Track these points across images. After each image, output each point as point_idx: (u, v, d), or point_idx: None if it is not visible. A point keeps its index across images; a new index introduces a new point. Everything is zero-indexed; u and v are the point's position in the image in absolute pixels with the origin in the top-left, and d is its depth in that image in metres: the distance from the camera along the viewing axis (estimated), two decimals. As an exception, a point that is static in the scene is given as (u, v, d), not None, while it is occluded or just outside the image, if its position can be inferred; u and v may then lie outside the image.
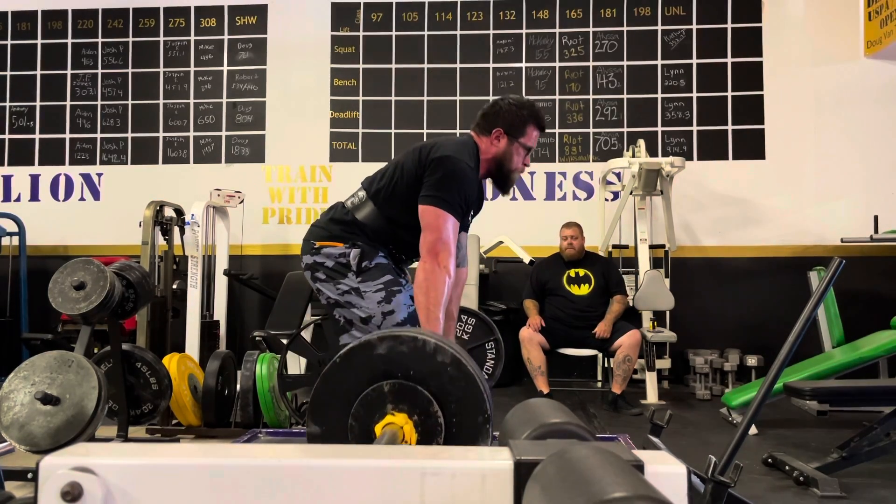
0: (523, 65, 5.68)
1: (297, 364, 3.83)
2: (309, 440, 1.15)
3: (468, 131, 2.43)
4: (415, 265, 2.33)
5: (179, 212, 4.89)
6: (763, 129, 5.45)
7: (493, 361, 2.77)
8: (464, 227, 2.38)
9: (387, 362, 1.12)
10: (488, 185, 2.50)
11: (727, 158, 5.47)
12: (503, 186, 2.43)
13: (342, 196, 2.50)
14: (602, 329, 4.28)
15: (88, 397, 2.38)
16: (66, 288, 2.66)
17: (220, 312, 5.11)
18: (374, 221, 2.33)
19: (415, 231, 2.23)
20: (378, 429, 1.08)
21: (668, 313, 4.96)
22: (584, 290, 4.48)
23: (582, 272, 4.52)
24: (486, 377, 2.75)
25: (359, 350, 1.15)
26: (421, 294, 2.13)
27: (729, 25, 5.54)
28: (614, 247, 5.24)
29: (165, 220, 4.78)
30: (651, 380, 4.45)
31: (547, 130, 5.60)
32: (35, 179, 5.92)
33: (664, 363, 4.93)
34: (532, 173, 5.59)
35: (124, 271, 2.88)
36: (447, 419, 1.10)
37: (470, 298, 4.70)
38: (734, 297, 5.34)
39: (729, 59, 5.52)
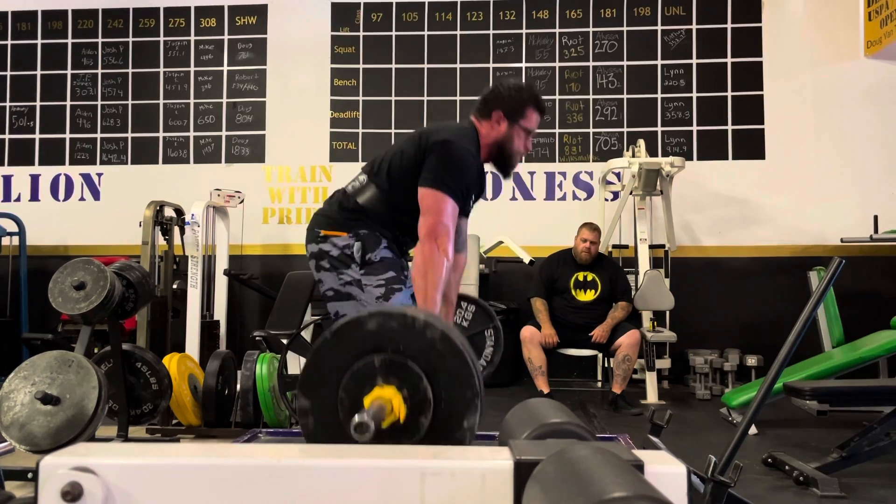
0: (523, 65, 5.68)
1: (297, 364, 3.82)
2: (299, 415, 1.16)
3: (469, 118, 2.42)
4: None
5: (179, 212, 4.89)
6: (763, 129, 5.45)
7: (492, 349, 2.76)
8: (465, 212, 2.37)
9: (377, 338, 1.13)
10: (489, 178, 2.48)
11: (727, 158, 5.47)
12: (504, 169, 2.42)
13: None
14: (598, 334, 4.28)
15: (88, 397, 2.38)
16: (66, 288, 2.66)
17: (220, 312, 5.11)
18: (375, 205, 2.30)
19: (416, 215, 2.21)
20: (367, 401, 1.09)
21: (668, 313, 4.96)
22: (589, 296, 4.46)
23: (590, 276, 4.48)
24: (486, 364, 2.73)
25: (349, 326, 1.16)
26: (419, 277, 2.12)
27: (729, 25, 5.54)
28: (614, 247, 5.24)
29: (165, 220, 4.78)
30: (651, 380, 4.45)
31: (547, 130, 5.63)
32: (35, 179, 5.92)
33: (664, 363, 4.93)
34: (532, 173, 5.59)
35: (124, 271, 2.88)
36: (436, 394, 1.11)
37: (470, 298, 4.70)
38: (734, 297, 5.34)
39: (729, 59, 5.52)
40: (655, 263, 4.93)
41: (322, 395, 1.14)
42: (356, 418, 1.01)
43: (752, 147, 5.45)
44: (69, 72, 5.95)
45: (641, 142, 4.98)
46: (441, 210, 2.15)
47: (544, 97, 6.11)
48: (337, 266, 2.30)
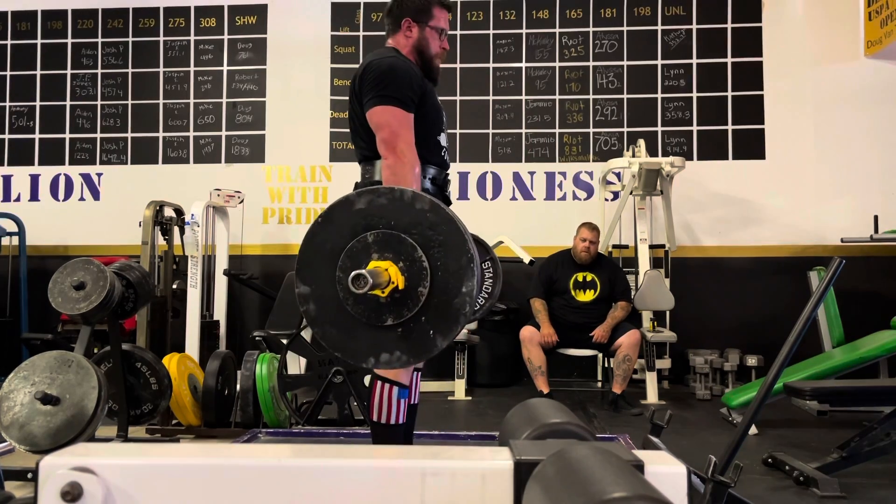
0: (523, 65, 5.68)
1: (297, 364, 3.83)
2: (299, 302, 1.17)
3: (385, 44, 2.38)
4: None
5: (179, 212, 4.89)
6: (763, 129, 5.45)
7: (490, 281, 2.76)
8: (440, 129, 2.33)
9: (367, 216, 1.15)
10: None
11: (727, 158, 5.47)
12: (429, 74, 2.37)
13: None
14: (599, 335, 4.28)
15: (88, 397, 2.38)
16: (66, 288, 2.66)
17: (220, 312, 5.11)
18: None
19: (421, 144, 2.18)
20: None
21: (668, 313, 4.96)
22: (588, 296, 4.47)
23: (589, 277, 4.49)
24: (486, 296, 2.73)
25: (338, 207, 1.17)
26: None
27: (729, 25, 5.54)
28: (614, 247, 5.24)
29: (165, 220, 4.78)
30: (651, 380, 4.45)
31: (547, 130, 5.63)
32: (35, 179, 5.92)
33: (664, 363, 4.92)
34: (532, 173, 5.59)
35: (124, 271, 2.88)
36: (432, 263, 1.13)
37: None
38: (734, 297, 5.33)
39: (729, 59, 5.52)
40: (655, 263, 4.93)
41: (320, 277, 1.16)
42: (354, 272, 1.04)
43: (752, 147, 5.45)
44: (69, 72, 5.95)
45: (641, 142, 4.98)
46: (389, 120, 2.12)
47: (544, 97, 6.11)
48: None
